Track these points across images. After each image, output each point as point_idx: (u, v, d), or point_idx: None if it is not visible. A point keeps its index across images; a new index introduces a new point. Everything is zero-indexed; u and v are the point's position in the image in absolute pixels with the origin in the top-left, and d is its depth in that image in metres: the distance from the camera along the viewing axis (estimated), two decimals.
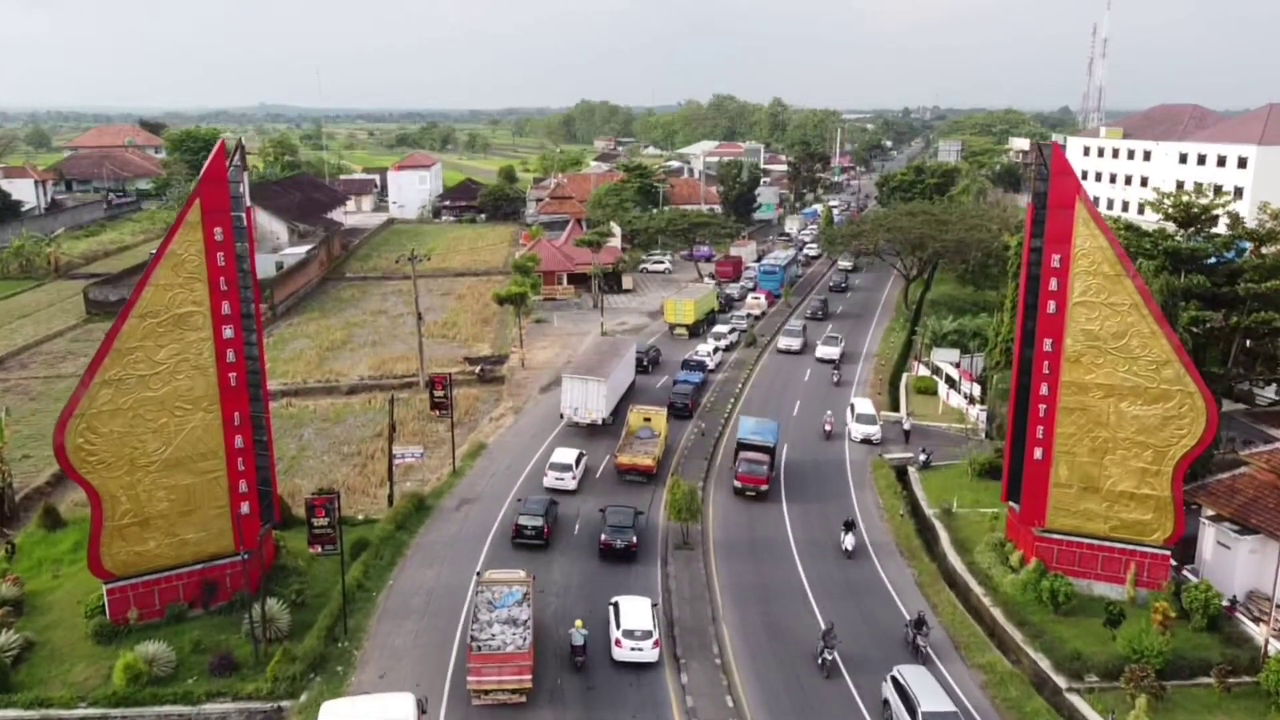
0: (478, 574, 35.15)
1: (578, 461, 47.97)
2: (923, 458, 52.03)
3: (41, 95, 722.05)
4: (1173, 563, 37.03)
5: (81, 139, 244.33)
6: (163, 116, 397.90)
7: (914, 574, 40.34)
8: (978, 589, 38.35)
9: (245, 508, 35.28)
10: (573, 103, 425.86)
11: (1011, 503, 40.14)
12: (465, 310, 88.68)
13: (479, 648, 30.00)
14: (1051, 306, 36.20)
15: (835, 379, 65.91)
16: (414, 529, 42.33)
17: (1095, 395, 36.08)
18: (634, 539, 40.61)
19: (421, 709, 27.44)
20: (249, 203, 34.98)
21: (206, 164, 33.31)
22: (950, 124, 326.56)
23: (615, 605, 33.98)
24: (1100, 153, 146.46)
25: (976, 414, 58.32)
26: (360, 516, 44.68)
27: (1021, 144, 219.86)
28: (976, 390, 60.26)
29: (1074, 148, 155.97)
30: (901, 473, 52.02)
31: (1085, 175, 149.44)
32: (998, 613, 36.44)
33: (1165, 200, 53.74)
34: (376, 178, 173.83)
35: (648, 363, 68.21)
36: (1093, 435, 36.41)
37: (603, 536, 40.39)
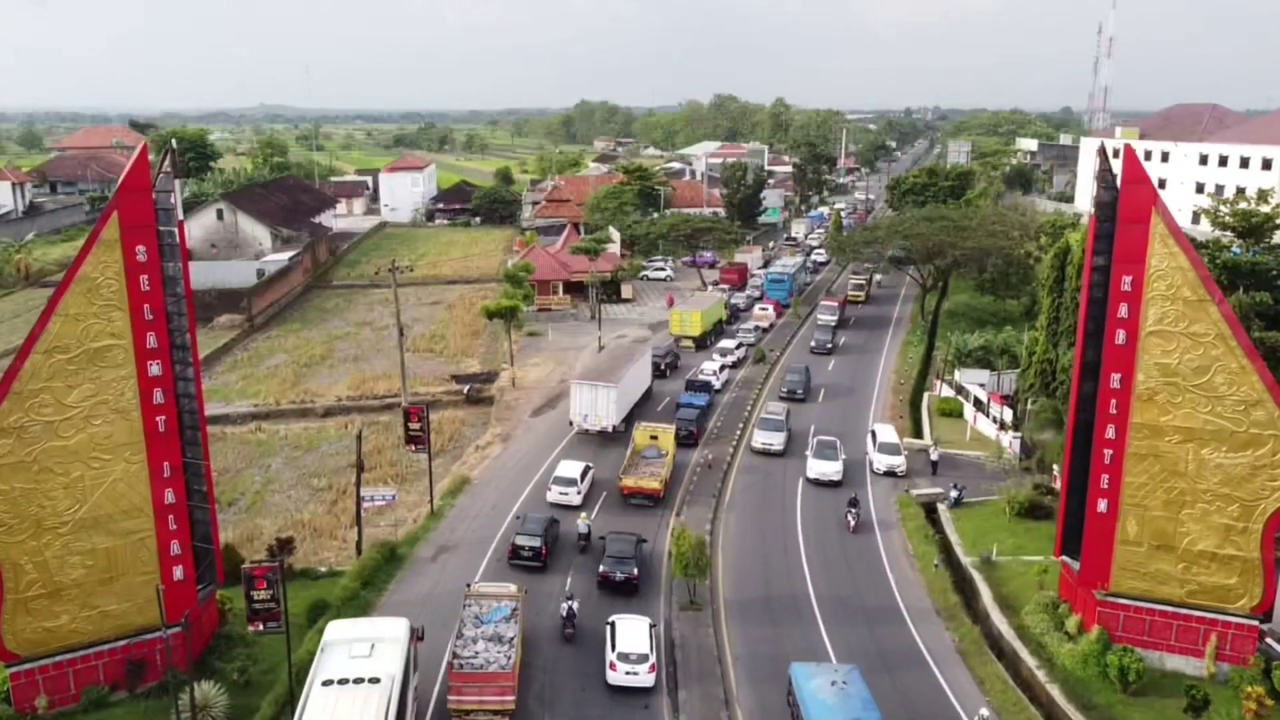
0: (467, 585, 33.62)
1: (583, 475, 45.43)
2: (954, 494, 46.87)
3: (40, 96, 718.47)
4: (1261, 628, 31.92)
5: (69, 140, 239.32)
6: (161, 117, 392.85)
7: (954, 639, 35.14)
8: (1030, 660, 33.19)
9: (178, 572, 30.18)
10: (572, 103, 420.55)
11: (1067, 558, 34.98)
12: (455, 322, 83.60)
13: (460, 665, 28.67)
14: (1120, 336, 31.06)
15: (851, 522, 43.80)
16: (383, 585, 37.14)
17: (1171, 440, 30.95)
18: (635, 571, 37.16)
19: (418, 636, 29.39)
20: (182, 215, 29.83)
21: (125, 170, 28.15)
22: (956, 124, 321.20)
23: (612, 625, 32.16)
24: (1115, 154, 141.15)
25: (1009, 441, 53.12)
26: (323, 568, 39.52)
27: (1029, 144, 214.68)
28: (1007, 414, 55.10)
29: (1088, 148, 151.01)
30: (930, 510, 46.94)
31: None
32: (1055, 691, 31.30)
33: (1222, 208, 48.55)
34: (368, 179, 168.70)
35: (665, 367, 65.31)
36: (1167, 486, 31.27)
37: (601, 568, 37.44)
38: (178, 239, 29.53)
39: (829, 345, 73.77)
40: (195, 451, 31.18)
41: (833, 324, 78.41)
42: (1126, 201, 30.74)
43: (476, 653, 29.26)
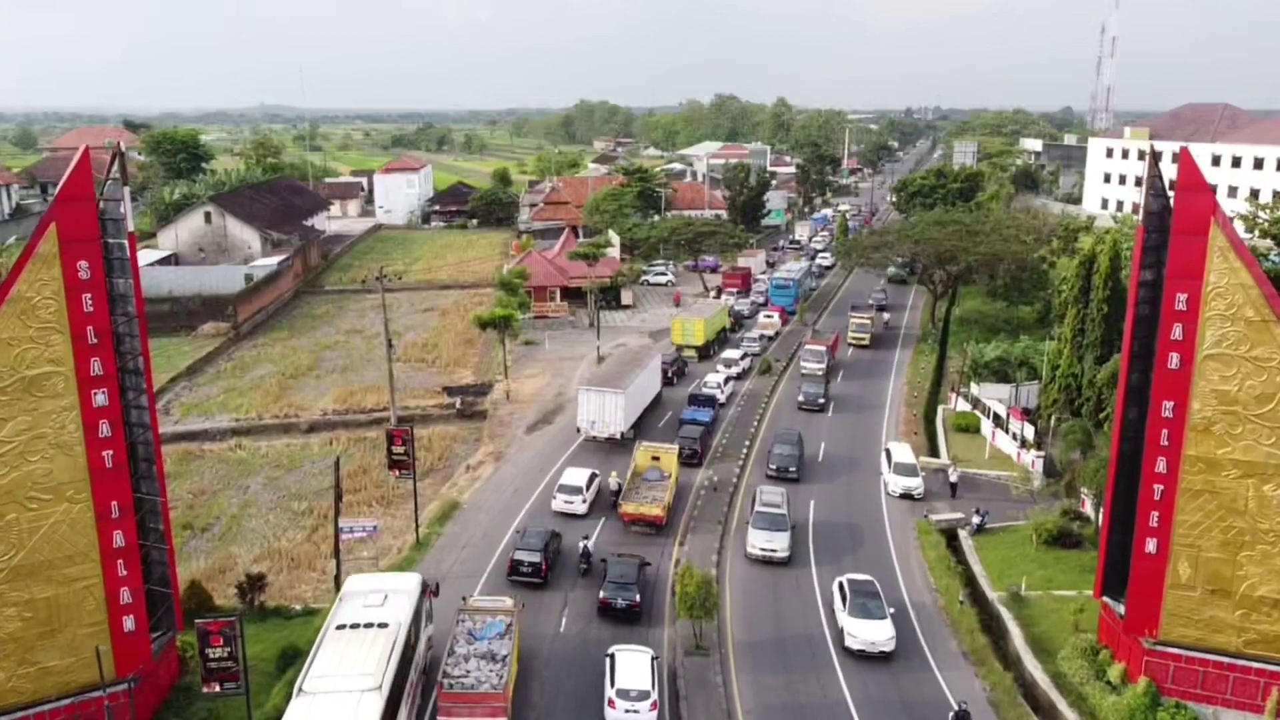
0: (464, 598, 32.77)
1: (589, 483, 44.29)
2: (977, 520, 43.88)
3: (39, 96, 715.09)
4: None
5: (62, 140, 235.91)
6: (160, 117, 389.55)
7: (984, 687, 32.11)
8: (1070, 713, 30.26)
9: (129, 622, 27.17)
10: (572, 103, 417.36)
11: (1108, 599, 32.00)
12: (448, 329, 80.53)
13: (450, 685, 27.69)
14: (1174, 360, 28.06)
15: None
16: None
17: (1230, 475, 27.97)
18: (637, 597, 35.02)
19: (433, 591, 32.18)
20: (133, 227, 26.84)
21: (64, 178, 25.11)
22: (959, 124, 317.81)
23: (611, 658, 30.28)
24: (1125, 154, 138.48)
25: (1031, 461, 50.13)
26: (298, 606, 36.50)
27: (1034, 145, 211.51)
28: (1029, 431, 52.11)
29: (1096, 149, 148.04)
30: (951, 536, 43.96)
31: (1108, 179, 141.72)
32: None
33: (1261, 213, 45.58)
34: (363, 181, 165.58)
35: (673, 374, 63.67)
36: (1225, 525, 28.30)
37: (602, 593, 35.41)
38: (128, 252, 26.59)
39: (820, 399, 59.67)
40: (150, 486, 28.29)
41: (821, 372, 64.49)
42: (1181, 211, 27.76)
43: (467, 671, 28.17)
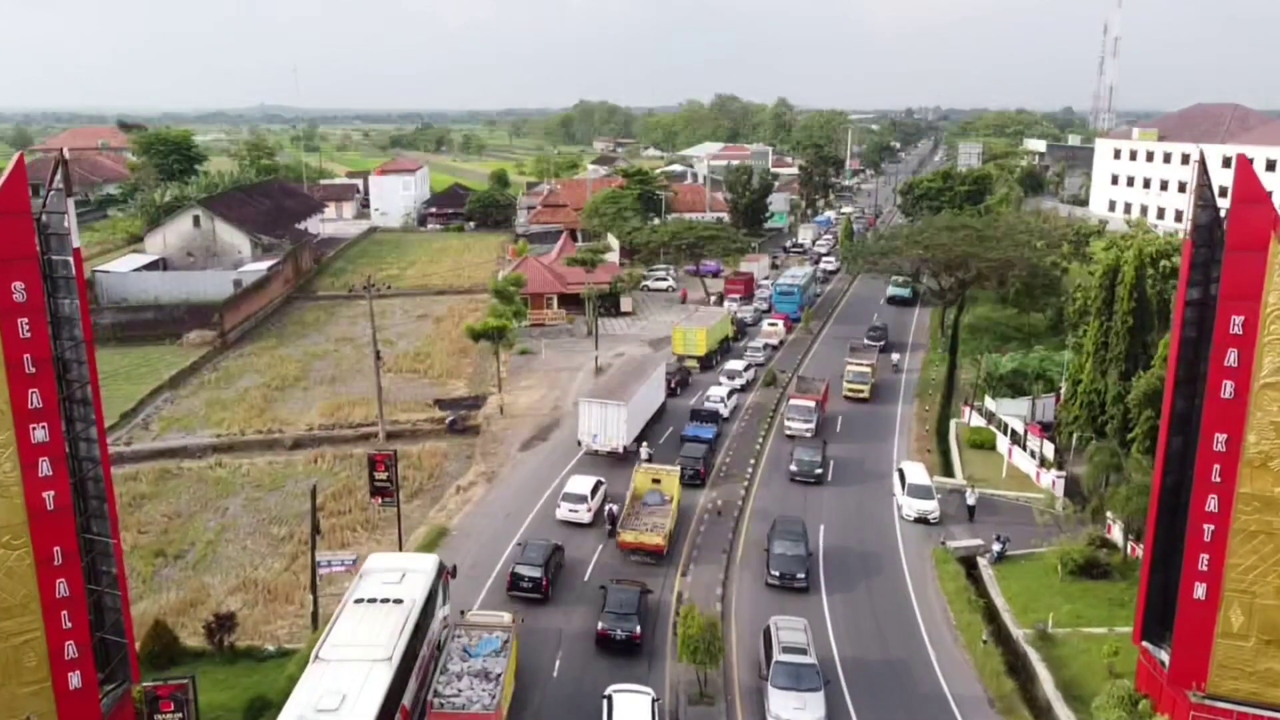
0: (461, 612, 32.20)
1: (594, 492, 43.37)
2: (997, 548, 41.30)
3: (38, 96, 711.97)
4: None
5: (54, 140, 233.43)
6: (160, 118, 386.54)
7: None
8: None
9: (75, 679, 24.57)
10: (572, 103, 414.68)
11: (1148, 645, 29.47)
12: (442, 337, 77.93)
13: (440, 705, 26.97)
14: (1227, 389, 25.51)
15: None
16: None
17: None
18: (637, 629, 32.92)
19: (450, 572, 32.88)
20: (78, 243, 24.28)
21: None
22: (962, 124, 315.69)
23: (609, 700, 28.39)
24: (1133, 155, 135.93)
25: (1052, 481, 47.58)
26: (271, 647, 33.91)
27: (1037, 145, 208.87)
28: (1048, 449, 49.57)
29: (1104, 150, 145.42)
30: (970, 565, 41.41)
31: (1116, 180, 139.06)
32: None
33: None
34: (359, 182, 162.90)
35: (676, 384, 61.43)
36: None
37: (600, 624, 33.49)
38: (74, 270, 24.03)
39: (818, 469, 47.99)
40: (102, 526, 25.73)
41: (811, 433, 53.03)
42: (1236, 224, 25.23)
43: (459, 690, 27.32)
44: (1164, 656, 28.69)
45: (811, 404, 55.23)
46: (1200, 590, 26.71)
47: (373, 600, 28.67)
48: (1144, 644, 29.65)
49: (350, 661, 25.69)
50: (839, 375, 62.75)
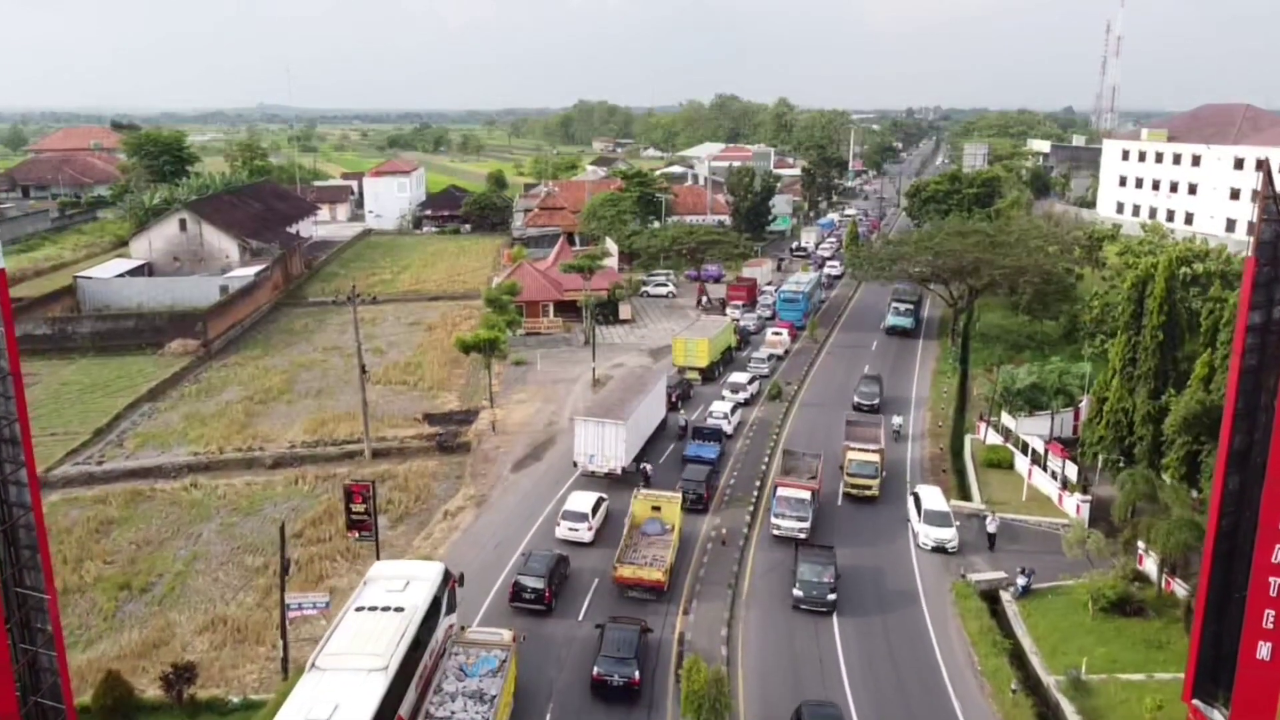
0: (460, 628, 31.48)
1: (595, 509, 41.79)
2: (1022, 581, 38.52)
3: (37, 96, 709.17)
4: None
5: (47, 141, 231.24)
6: (159, 118, 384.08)
7: None
8: None
9: None
10: (571, 103, 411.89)
11: (1200, 703, 26.72)
12: (434, 346, 75.09)
13: None
14: None
15: None
16: None
17: None
18: (636, 674, 30.45)
19: (457, 580, 32.04)
20: (3, 263, 21.47)
21: None
22: (964, 125, 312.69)
23: None
24: (1141, 156, 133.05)
25: (1076, 505, 44.79)
26: (236, 698, 31.08)
27: (1041, 146, 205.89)
28: (1071, 471, 46.79)
29: (1111, 151, 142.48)
30: (992, 598, 38.64)
31: (1124, 182, 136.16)
32: None
33: None
34: (354, 184, 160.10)
35: (676, 398, 58.88)
36: None
37: (597, 669, 31.12)
38: None
39: (830, 594, 36.30)
40: (35, 579, 22.91)
41: (805, 532, 41.15)
42: None
43: (452, 712, 26.53)
44: (1217, 718, 25.96)
45: (806, 495, 42.56)
46: (1265, 650, 23.94)
47: (374, 608, 28.17)
48: (1195, 702, 26.89)
49: (345, 671, 25.32)
50: (842, 394, 59.36)
